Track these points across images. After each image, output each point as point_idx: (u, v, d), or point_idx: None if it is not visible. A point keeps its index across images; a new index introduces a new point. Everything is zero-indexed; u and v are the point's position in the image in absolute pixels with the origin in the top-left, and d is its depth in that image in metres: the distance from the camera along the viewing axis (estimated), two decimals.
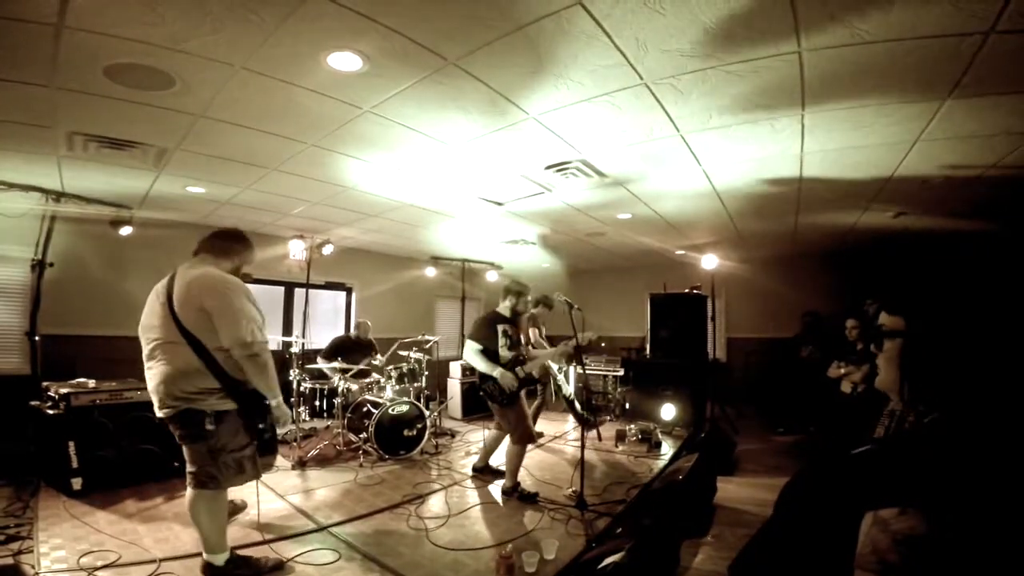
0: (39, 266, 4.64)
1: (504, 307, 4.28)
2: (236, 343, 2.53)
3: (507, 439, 4.21)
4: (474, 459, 4.86)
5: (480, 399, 7.28)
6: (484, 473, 4.65)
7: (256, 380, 2.61)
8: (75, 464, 3.70)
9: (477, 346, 4.07)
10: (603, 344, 7.35)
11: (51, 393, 3.97)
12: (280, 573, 2.81)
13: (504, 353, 4.07)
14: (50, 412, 3.79)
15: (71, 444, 3.70)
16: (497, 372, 3.95)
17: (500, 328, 4.13)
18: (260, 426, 2.70)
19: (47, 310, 4.84)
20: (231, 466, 2.63)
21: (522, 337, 4.33)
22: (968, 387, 0.85)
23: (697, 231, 6.90)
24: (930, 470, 0.78)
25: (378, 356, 6.43)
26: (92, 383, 4.12)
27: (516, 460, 4.11)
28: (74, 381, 4.14)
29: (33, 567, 2.67)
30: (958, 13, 2.24)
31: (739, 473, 4.93)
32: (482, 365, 4.03)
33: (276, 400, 2.70)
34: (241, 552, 2.84)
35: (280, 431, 2.73)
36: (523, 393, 4.16)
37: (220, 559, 2.68)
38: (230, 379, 2.58)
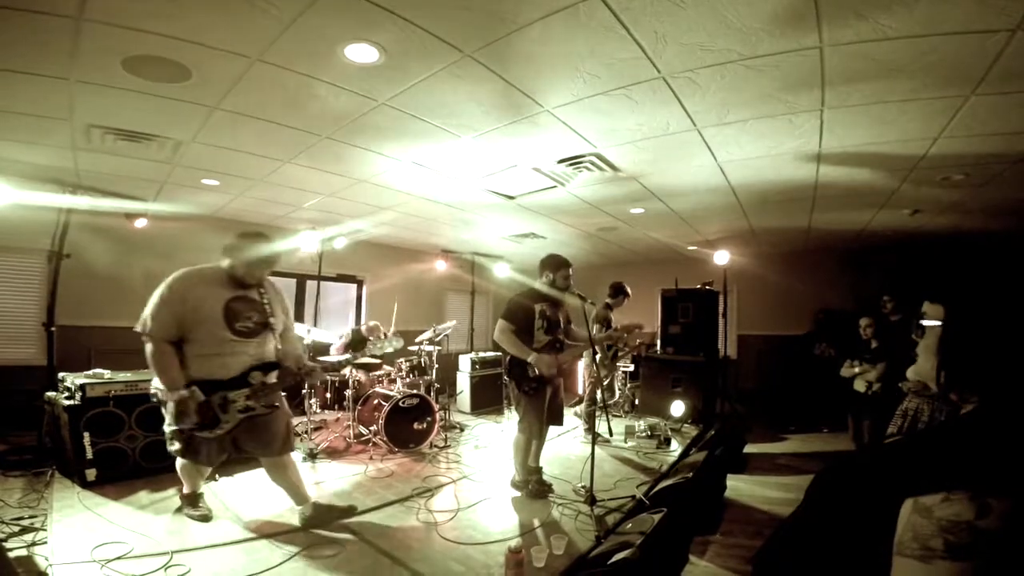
0: (56, 257, 4.68)
1: (541, 283, 3.90)
2: None
3: (516, 432, 3.99)
4: (483, 453, 4.84)
5: (490, 393, 7.38)
6: (530, 483, 4.01)
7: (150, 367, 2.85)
8: (89, 455, 3.73)
9: (509, 326, 3.74)
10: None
11: (67, 384, 4.01)
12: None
13: (540, 336, 3.80)
14: (66, 403, 3.83)
15: (86, 435, 3.74)
16: (532, 357, 3.65)
17: (538, 308, 3.81)
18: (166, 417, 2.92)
19: (63, 301, 4.88)
20: (168, 441, 2.95)
21: (562, 319, 3.99)
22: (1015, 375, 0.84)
23: (710, 226, 6.85)
24: (979, 455, 0.77)
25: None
26: (108, 374, 4.16)
27: (523, 452, 3.97)
28: (90, 372, 4.17)
29: (47, 558, 2.69)
30: (985, 10, 2.20)
31: (749, 471, 4.91)
32: (513, 348, 3.72)
33: (171, 394, 2.80)
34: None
35: (181, 424, 2.85)
36: (549, 389, 3.85)
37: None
38: None
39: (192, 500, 3.32)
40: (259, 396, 2.99)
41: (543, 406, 3.85)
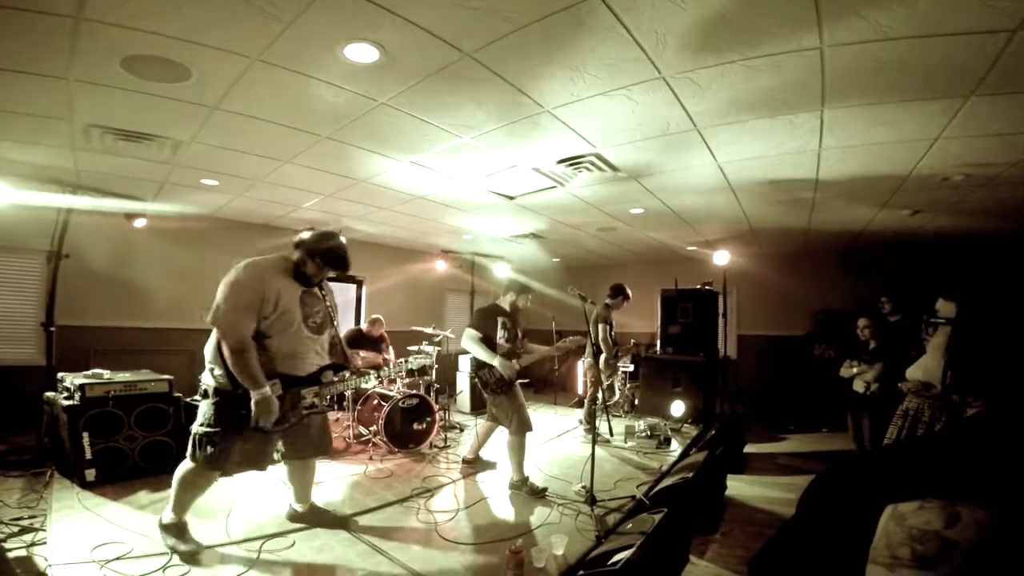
0: (55, 257, 4.67)
1: (505, 300, 4.32)
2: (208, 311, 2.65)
3: (505, 431, 4.18)
4: (482, 453, 4.83)
5: None
6: (474, 464, 4.72)
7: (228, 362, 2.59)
8: (89, 455, 3.72)
9: (476, 334, 4.10)
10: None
11: (66, 384, 4.00)
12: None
13: (501, 344, 4.14)
14: (65, 403, 3.81)
15: (85, 435, 3.73)
16: (496, 360, 3.98)
17: (500, 320, 4.19)
18: (243, 412, 2.60)
19: (63, 301, 4.88)
20: (200, 444, 2.67)
21: (520, 333, 4.36)
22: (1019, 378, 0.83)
23: (710, 227, 6.85)
24: (959, 464, 0.76)
25: (390, 350, 6.45)
26: (107, 374, 4.15)
27: (518, 452, 4.08)
28: (89, 372, 4.16)
29: (46, 559, 2.68)
30: (985, 10, 2.20)
31: (749, 471, 4.91)
32: (480, 353, 4.06)
33: (255, 391, 2.57)
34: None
35: (263, 423, 2.61)
36: (517, 384, 4.18)
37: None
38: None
39: (180, 530, 2.84)
40: (323, 394, 2.96)
41: (518, 396, 4.15)
